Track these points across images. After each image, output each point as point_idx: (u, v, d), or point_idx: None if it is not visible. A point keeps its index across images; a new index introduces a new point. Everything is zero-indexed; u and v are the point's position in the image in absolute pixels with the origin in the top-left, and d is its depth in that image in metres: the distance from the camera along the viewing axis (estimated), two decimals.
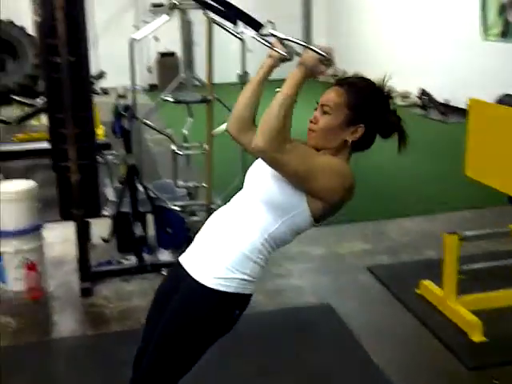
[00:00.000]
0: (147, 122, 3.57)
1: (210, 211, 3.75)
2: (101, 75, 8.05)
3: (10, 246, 3.61)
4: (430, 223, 4.67)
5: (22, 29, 11.24)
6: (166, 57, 12.47)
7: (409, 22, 9.93)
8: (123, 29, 11.95)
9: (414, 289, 3.54)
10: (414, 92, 9.33)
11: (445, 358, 2.95)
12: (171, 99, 3.53)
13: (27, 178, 5.03)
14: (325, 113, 1.74)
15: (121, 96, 3.51)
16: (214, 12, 1.79)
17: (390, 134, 1.81)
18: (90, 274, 3.70)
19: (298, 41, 1.64)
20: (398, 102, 9.75)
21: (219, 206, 3.74)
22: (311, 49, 1.61)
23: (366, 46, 11.48)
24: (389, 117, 1.79)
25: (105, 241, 3.91)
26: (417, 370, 2.89)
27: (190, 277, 1.77)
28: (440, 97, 8.69)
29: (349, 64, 12.38)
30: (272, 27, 1.65)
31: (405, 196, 5.33)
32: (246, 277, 1.74)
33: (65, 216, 3.75)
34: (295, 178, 1.67)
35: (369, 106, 1.74)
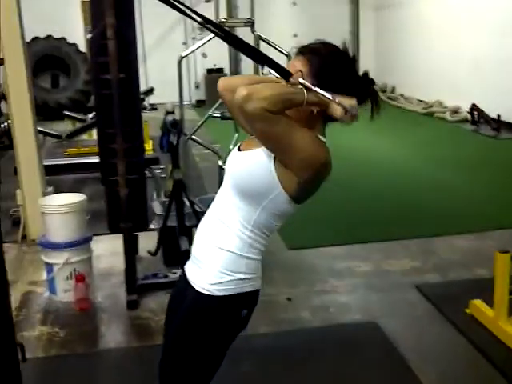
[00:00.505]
0: (194, 137, 3.60)
1: None
2: (150, 91, 8.20)
3: (60, 258, 3.69)
4: (481, 241, 4.55)
5: (74, 46, 11.59)
6: (213, 73, 12.63)
7: (459, 37, 9.78)
8: (172, 46, 12.20)
9: (464, 308, 3.44)
10: (465, 107, 9.16)
11: (495, 381, 2.86)
12: (218, 115, 3.55)
13: (77, 191, 5.18)
14: (289, 83, 1.62)
15: (169, 112, 3.55)
16: (244, 54, 1.77)
17: (362, 100, 1.67)
18: (136, 286, 3.75)
19: (324, 93, 1.59)
20: (448, 117, 9.61)
21: None
22: (336, 102, 1.58)
23: (414, 58, 11.36)
24: (357, 81, 1.69)
25: (151, 254, 3.95)
26: None
27: (191, 286, 1.77)
28: (492, 112, 8.50)
29: (396, 76, 12.31)
30: (301, 76, 1.62)
31: (455, 213, 5.21)
32: (241, 276, 1.71)
33: (113, 229, 3.83)
34: (269, 139, 1.59)
35: (332, 73, 1.65)
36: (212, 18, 3.65)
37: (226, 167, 1.78)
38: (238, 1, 12.01)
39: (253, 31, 3.49)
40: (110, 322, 3.54)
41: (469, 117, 8.96)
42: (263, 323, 3.43)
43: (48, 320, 3.55)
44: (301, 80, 1.60)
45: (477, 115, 8.71)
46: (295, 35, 13.12)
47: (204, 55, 12.55)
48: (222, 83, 1.86)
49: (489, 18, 8.91)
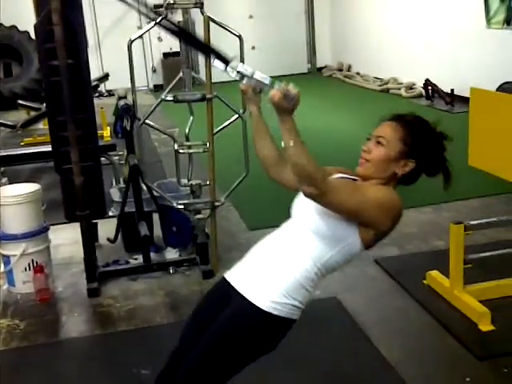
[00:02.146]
0: (148, 121, 3.57)
1: (214, 208, 3.76)
2: (105, 77, 8.06)
3: (16, 249, 3.63)
4: (437, 213, 4.65)
5: (26, 33, 11.29)
6: (169, 57, 12.48)
7: (412, 12, 9.88)
8: (127, 30, 11.95)
9: (422, 280, 3.52)
10: (420, 83, 9.28)
11: (454, 349, 2.93)
12: (170, 99, 3.52)
13: (34, 181, 5.09)
14: (379, 143, 1.82)
15: (121, 97, 3.50)
16: (187, 43, 1.79)
17: (435, 173, 1.89)
18: (96, 274, 3.72)
19: (261, 79, 1.66)
20: (403, 93, 9.72)
21: (223, 204, 3.77)
22: (273, 86, 1.65)
23: (368, 36, 11.44)
24: (438, 157, 1.87)
25: (110, 241, 3.92)
26: (425, 361, 2.87)
27: (241, 296, 1.80)
28: (445, 87, 8.64)
29: (352, 55, 12.39)
30: (237, 63, 1.66)
31: (411, 187, 5.28)
32: (297, 303, 1.80)
33: (70, 217, 3.77)
34: (347, 212, 1.73)
35: (422, 144, 1.82)
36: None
37: (299, 203, 1.86)
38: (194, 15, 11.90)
39: (202, 12, 3.45)
40: (71, 311, 3.51)
41: (423, 92, 9.08)
42: None
43: (7, 312, 3.50)
44: (239, 66, 1.64)
45: (431, 90, 8.84)
46: (251, 16, 13.08)
47: (159, 39, 12.39)
48: (271, 174, 2.05)
49: None
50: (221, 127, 3.63)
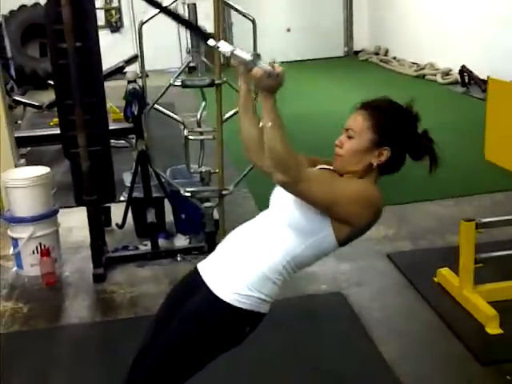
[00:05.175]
0: (157, 106, 3.51)
1: (222, 197, 3.69)
2: (134, 58, 8.03)
3: (24, 232, 3.64)
4: (459, 208, 4.47)
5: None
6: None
7: None
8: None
9: (433, 277, 3.40)
10: (456, 69, 8.98)
11: (458, 351, 2.82)
12: (178, 83, 3.45)
13: (55, 163, 5.12)
14: (350, 137, 1.74)
15: (130, 81, 3.45)
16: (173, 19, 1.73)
17: (420, 157, 1.79)
18: (104, 259, 3.71)
19: (243, 55, 1.57)
20: (439, 79, 9.44)
21: (231, 192, 3.70)
22: (258, 64, 1.56)
23: (406, 20, 11.12)
24: (417, 139, 1.77)
25: (118, 227, 3.90)
26: (426, 363, 2.76)
27: (208, 287, 1.77)
28: (482, 73, 8.33)
29: (389, 39, 12.09)
30: (217, 41, 1.59)
31: (435, 178, 5.09)
32: (262, 296, 1.75)
33: (79, 201, 3.76)
34: (320, 205, 1.66)
35: (393, 129, 1.73)
36: None
37: (277, 194, 1.78)
38: None
39: None
40: (76, 297, 3.51)
41: (459, 79, 8.79)
42: None
43: (13, 295, 3.52)
44: (219, 44, 1.58)
45: (467, 77, 8.54)
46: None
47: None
48: (248, 155, 1.95)
49: None
50: (231, 113, 3.53)
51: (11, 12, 11.25)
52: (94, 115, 3.50)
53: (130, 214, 3.97)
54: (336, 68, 11.76)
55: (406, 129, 1.75)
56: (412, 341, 2.94)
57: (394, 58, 11.61)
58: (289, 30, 12.89)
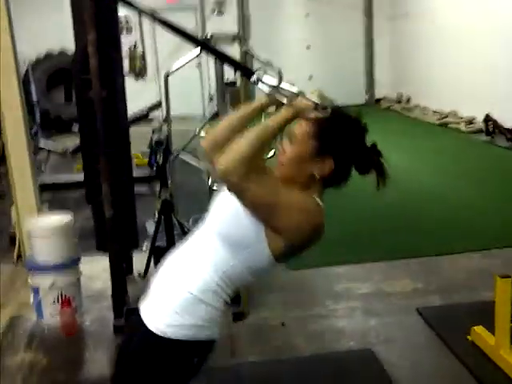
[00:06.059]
0: (181, 156, 3.49)
1: None
2: (158, 105, 8.12)
3: (45, 281, 3.58)
4: (489, 260, 4.33)
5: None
6: (227, 86, 12.53)
7: (474, 46, 9.56)
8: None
9: (466, 335, 3.25)
10: (481, 118, 8.92)
11: None
12: (203, 135, 3.44)
13: (78, 208, 5.09)
14: (292, 142, 1.63)
15: (156, 130, 3.44)
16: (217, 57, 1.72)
17: (366, 170, 1.66)
18: (125, 310, 3.62)
19: (289, 88, 1.55)
20: (463, 128, 9.38)
21: None
22: (304, 97, 1.55)
23: (429, 68, 11.15)
24: (363, 151, 1.65)
25: (140, 276, 3.83)
26: None
27: (144, 324, 1.66)
28: (507, 122, 8.26)
29: (411, 87, 12.12)
30: (263, 74, 1.57)
31: (462, 230, 5.01)
32: (199, 322, 1.61)
33: (101, 248, 3.71)
34: (255, 210, 1.53)
35: (337, 137, 1.61)
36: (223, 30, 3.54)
37: (213, 205, 1.68)
38: (251, 14, 11.93)
39: (241, 46, 3.36)
40: (96, 348, 3.41)
41: (484, 127, 8.72)
42: (253, 351, 3.29)
43: (32, 345, 3.44)
44: (260, 75, 1.56)
45: (491, 126, 8.47)
46: (308, 47, 13.02)
47: None
48: (206, 142, 1.79)
49: (505, 27, 8.67)
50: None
51: (37, 59, 11.52)
52: (119, 163, 3.49)
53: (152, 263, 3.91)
54: None
55: (352, 139, 1.63)
56: None
57: (417, 106, 11.60)
58: (310, 78, 12.99)
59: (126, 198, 3.58)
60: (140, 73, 12.48)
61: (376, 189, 1.65)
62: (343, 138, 1.62)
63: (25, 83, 9.99)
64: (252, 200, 1.51)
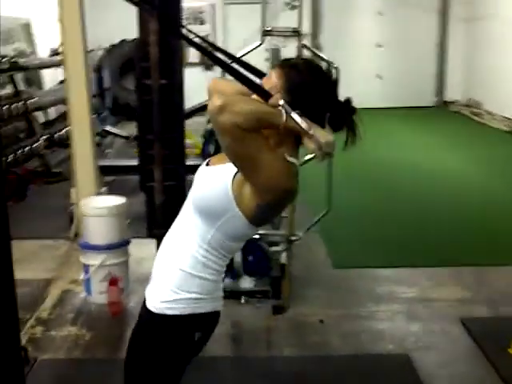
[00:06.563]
0: None
1: (290, 242, 3.63)
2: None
3: (95, 260, 3.71)
4: None
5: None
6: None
7: None
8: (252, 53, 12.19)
9: (508, 348, 3.16)
10: None
11: None
12: None
13: (136, 192, 5.22)
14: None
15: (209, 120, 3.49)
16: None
17: (339, 127, 1.59)
18: None
19: (301, 122, 1.49)
20: None
21: (300, 238, 3.62)
22: (310, 134, 1.49)
23: (501, 74, 10.77)
24: (335, 106, 1.59)
25: None
26: None
27: (145, 305, 1.73)
28: None
29: (483, 92, 11.74)
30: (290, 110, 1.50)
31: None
32: (193, 295, 1.65)
33: (151, 234, 3.80)
34: (236, 156, 1.50)
35: (306, 91, 1.56)
36: (295, 25, 3.54)
37: (193, 185, 1.71)
38: (323, 9, 11.87)
39: (299, 41, 3.37)
40: None
41: None
42: (289, 345, 3.32)
43: (78, 321, 3.58)
44: (281, 102, 1.50)
45: None
46: (379, 45, 12.83)
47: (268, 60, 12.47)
48: (212, 85, 1.73)
49: None
50: (307, 158, 3.47)
51: (113, 45, 11.83)
52: (172, 151, 3.57)
53: None
54: (424, 118, 11.53)
55: (321, 92, 1.57)
56: None
57: (487, 112, 11.25)
58: (379, 77, 12.81)
59: (178, 185, 3.65)
60: (209, 63, 12.66)
61: (344, 148, 1.60)
62: (315, 93, 1.57)
63: (99, 69, 10.35)
64: (234, 145, 1.47)
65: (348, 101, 1.60)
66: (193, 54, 11.04)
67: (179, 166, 3.67)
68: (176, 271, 1.65)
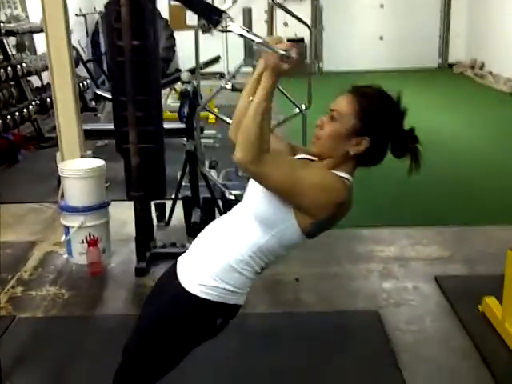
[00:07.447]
0: (207, 108, 3.53)
1: None
2: (215, 60, 8.13)
3: (75, 221, 3.77)
4: None
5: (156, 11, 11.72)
6: (294, 42, 12.38)
7: None
8: (257, 14, 12.04)
9: (479, 305, 3.20)
10: None
11: None
12: (229, 87, 3.46)
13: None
14: (332, 118, 1.66)
15: (184, 82, 3.49)
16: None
17: (401, 154, 1.69)
18: (147, 254, 3.77)
19: (253, 37, 1.52)
20: None
21: None
22: (267, 46, 1.52)
23: (505, 35, 10.59)
24: (400, 135, 1.68)
25: (165, 223, 3.95)
26: None
27: (178, 280, 1.77)
28: None
29: (486, 53, 11.58)
30: (229, 20, 1.54)
31: (503, 201, 4.84)
32: (229, 287, 1.72)
33: (128, 196, 3.84)
34: (278, 192, 1.60)
35: (377, 119, 1.65)
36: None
37: (250, 187, 1.76)
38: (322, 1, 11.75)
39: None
40: (116, 289, 3.58)
41: None
42: (263, 302, 3.37)
43: (58, 281, 3.65)
44: (230, 26, 1.56)
45: None
46: (381, 5, 12.64)
47: (285, 24, 12.33)
48: (232, 134, 1.81)
49: None
50: (280, 121, 3.50)
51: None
52: (148, 113, 3.58)
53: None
54: (428, 80, 11.41)
55: (391, 122, 1.66)
56: (440, 372, 2.77)
57: (490, 73, 11.10)
58: (381, 38, 12.65)
59: (155, 147, 3.67)
60: (207, 26, 12.53)
61: (408, 174, 1.68)
62: (384, 121, 1.65)
63: (94, 34, 10.28)
64: (272, 184, 1.58)
65: (412, 130, 1.69)
66: (191, 17, 10.91)
67: (156, 128, 3.68)
68: (220, 261, 1.71)
